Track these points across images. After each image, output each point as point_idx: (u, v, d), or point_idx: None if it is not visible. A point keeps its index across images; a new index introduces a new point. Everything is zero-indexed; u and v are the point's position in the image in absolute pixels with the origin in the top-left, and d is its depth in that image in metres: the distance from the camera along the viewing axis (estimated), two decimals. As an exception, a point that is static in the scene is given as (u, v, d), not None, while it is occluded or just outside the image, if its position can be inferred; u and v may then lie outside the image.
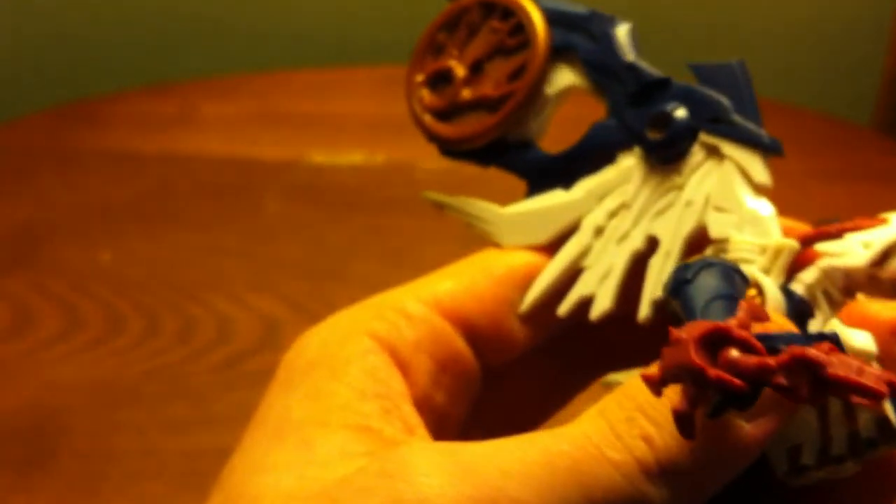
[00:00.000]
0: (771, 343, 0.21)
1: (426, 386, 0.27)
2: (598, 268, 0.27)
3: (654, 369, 0.22)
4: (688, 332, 0.21)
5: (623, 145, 0.27)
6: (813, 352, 0.21)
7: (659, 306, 0.26)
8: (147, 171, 0.75)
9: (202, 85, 0.84)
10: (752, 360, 0.21)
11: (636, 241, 0.27)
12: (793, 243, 0.26)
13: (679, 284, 0.23)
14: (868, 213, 0.29)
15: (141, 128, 0.79)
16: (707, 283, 0.23)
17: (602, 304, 0.27)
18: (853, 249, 0.26)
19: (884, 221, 0.26)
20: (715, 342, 0.21)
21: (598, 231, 0.27)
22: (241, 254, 0.67)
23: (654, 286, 0.26)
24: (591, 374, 0.28)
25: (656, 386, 0.22)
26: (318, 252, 0.67)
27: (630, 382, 0.23)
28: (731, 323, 0.21)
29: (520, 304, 0.28)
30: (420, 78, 0.31)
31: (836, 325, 0.24)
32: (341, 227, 0.69)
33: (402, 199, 0.71)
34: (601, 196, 0.27)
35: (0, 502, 0.52)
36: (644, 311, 0.26)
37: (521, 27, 0.29)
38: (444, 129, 0.30)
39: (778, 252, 0.26)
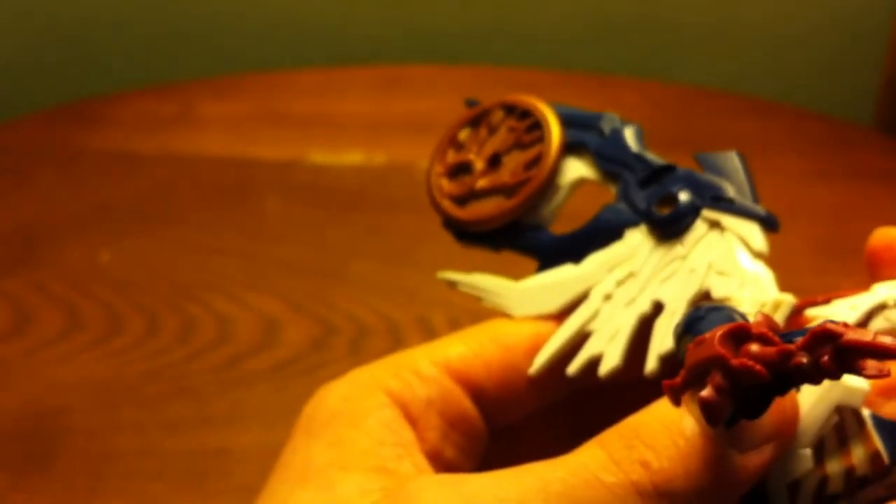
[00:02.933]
0: (787, 338, 0.23)
1: (435, 441, 0.29)
2: (607, 329, 0.29)
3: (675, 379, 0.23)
4: (711, 333, 0.23)
5: (631, 223, 0.30)
6: (830, 324, 0.22)
7: (665, 360, 0.28)
8: (147, 171, 0.75)
9: (202, 85, 0.84)
10: (772, 347, 0.22)
11: (643, 305, 0.29)
12: (790, 297, 0.28)
13: (692, 321, 0.25)
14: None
15: (141, 128, 0.79)
16: (718, 317, 0.25)
17: (611, 362, 0.28)
18: (841, 312, 0.27)
19: (867, 289, 0.28)
20: (737, 338, 0.23)
21: (607, 297, 0.29)
22: (241, 254, 0.67)
23: (660, 342, 0.28)
24: (598, 433, 0.29)
25: (677, 392, 0.23)
26: (318, 252, 0.67)
27: (633, 417, 0.25)
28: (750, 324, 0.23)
29: (528, 369, 0.30)
30: (440, 168, 0.33)
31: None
32: (341, 227, 0.69)
33: (402, 199, 0.71)
34: (610, 267, 0.29)
35: (0, 502, 0.52)
36: (651, 364, 0.28)
37: (537, 124, 0.31)
38: (461, 212, 0.32)
39: (777, 305, 0.27)
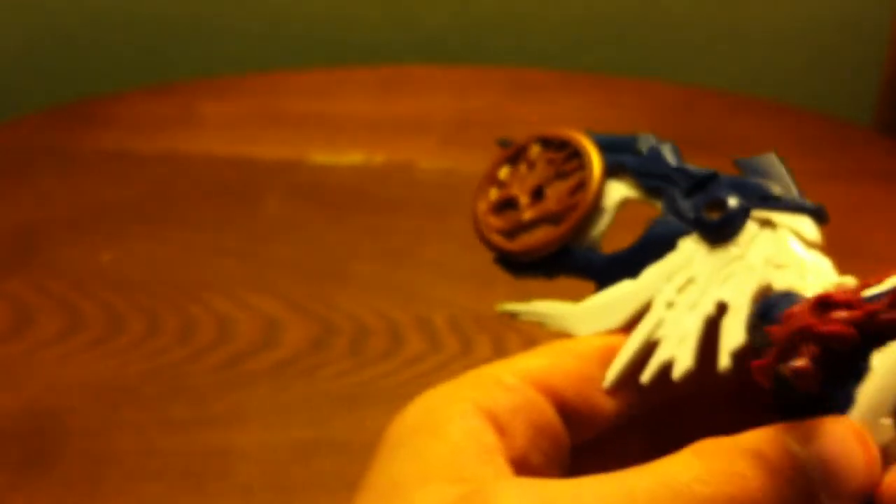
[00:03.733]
0: (871, 300, 0.24)
1: (523, 447, 0.28)
2: (674, 335, 0.29)
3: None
4: (798, 307, 0.24)
5: (682, 233, 0.30)
6: None
7: (737, 356, 0.28)
8: (147, 171, 0.75)
9: (202, 85, 0.84)
10: (858, 310, 0.23)
11: (707, 307, 0.29)
12: (852, 279, 0.28)
13: (766, 308, 0.27)
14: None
15: (141, 128, 0.79)
16: (791, 299, 0.26)
17: (683, 364, 0.29)
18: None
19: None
20: (822, 307, 0.24)
21: (670, 305, 0.30)
22: (241, 254, 0.67)
23: (729, 339, 0.28)
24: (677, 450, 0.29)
25: (769, 369, 0.24)
26: (318, 252, 0.67)
27: (739, 436, 0.25)
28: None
29: (603, 381, 0.30)
30: (485, 206, 0.33)
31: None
32: (341, 227, 0.69)
33: (402, 199, 0.71)
34: (668, 277, 0.30)
35: (0, 502, 0.52)
36: (724, 361, 0.28)
37: (575, 153, 0.32)
38: (511, 244, 0.32)
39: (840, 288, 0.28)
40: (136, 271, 0.66)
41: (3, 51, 1.05)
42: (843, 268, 0.30)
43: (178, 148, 0.76)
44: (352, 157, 0.75)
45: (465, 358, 0.59)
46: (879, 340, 0.24)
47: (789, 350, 0.23)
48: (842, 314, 0.23)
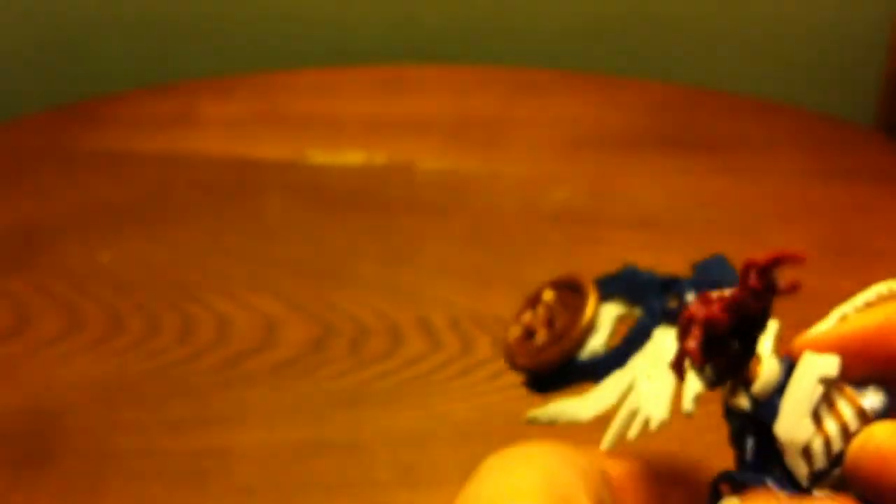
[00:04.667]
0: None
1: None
2: (651, 398, 0.35)
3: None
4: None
5: (655, 325, 0.37)
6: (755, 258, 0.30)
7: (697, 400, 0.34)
8: (147, 171, 0.75)
9: (202, 85, 0.84)
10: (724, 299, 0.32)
11: (671, 376, 0.35)
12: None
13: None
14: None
15: (141, 128, 0.79)
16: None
17: (658, 417, 0.34)
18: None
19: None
20: (706, 302, 0.32)
21: (648, 377, 0.36)
22: (241, 254, 0.67)
23: (689, 388, 0.34)
24: None
25: (678, 360, 0.32)
26: (318, 252, 0.67)
27: None
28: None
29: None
30: (512, 341, 0.39)
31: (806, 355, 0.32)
32: (341, 227, 0.69)
33: (402, 199, 0.71)
34: (646, 359, 0.36)
35: (0, 502, 0.52)
36: (687, 405, 0.33)
37: (578, 288, 0.39)
38: (531, 364, 0.38)
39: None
40: (136, 271, 0.66)
41: (3, 51, 1.05)
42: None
43: (178, 148, 0.77)
44: (352, 157, 0.75)
45: (465, 358, 0.59)
46: (750, 324, 0.31)
47: (684, 336, 0.31)
48: (714, 303, 0.31)
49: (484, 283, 0.64)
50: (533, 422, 0.38)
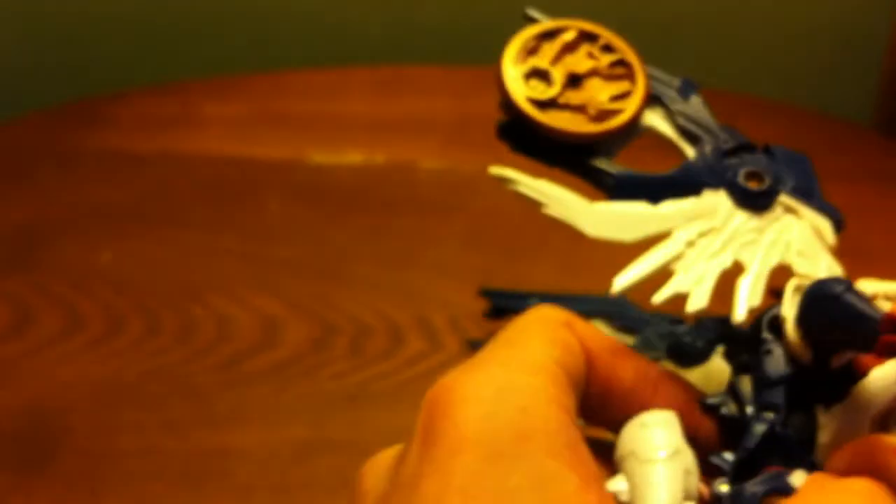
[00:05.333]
0: None
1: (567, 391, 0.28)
2: (692, 273, 0.30)
3: None
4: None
5: (710, 185, 0.31)
6: None
7: (751, 312, 0.30)
8: (147, 171, 0.75)
9: (202, 85, 0.84)
10: None
11: (726, 261, 0.31)
12: (871, 282, 0.30)
13: (828, 294, 0.28)
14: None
15: (141, 128, 0.79)
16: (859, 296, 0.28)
17: (698, 302, 0.30)
18: None
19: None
20: None
21: (690, 244, 0.31)
22: (241, 254, 0.67)
23: (749, 297, 0.30)
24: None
25: None
26: (318, 252, 0.67)
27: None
28: None
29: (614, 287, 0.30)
30: (518, 71, 0.33)
31: None
32: (341, 227, 0.69)
33: (402, 199, 0.71)
34: (689, 218, 0.31)
35: (0, 502, 0.52)
36: (740, 314, 0.30)
37: (621, 62, 0.33)
38: (541, 116, 0.32)
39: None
40: (136, 271, 0.66)
41: (3, 51, 1.05)
42: (780, 270, 0.31)
43: (178, 148, 0.76)
44: (352, 157, 0.75)
45: (465, 358, 0.59)
46: None
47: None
48: None
49: (484, 283, 0.64)
50: (504, 182, 0.32)
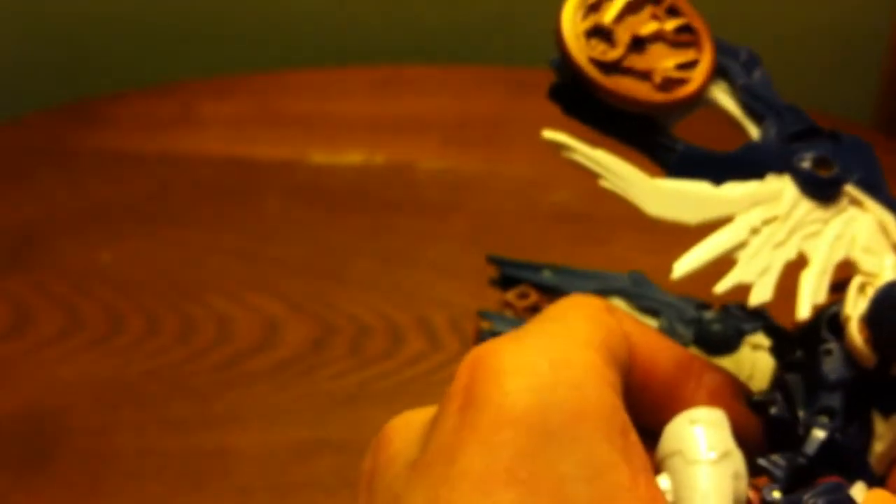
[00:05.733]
0: None
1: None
2: (756, 263, 0.29)
3: None
4: None
5: (774, 169, 0.30)
6: None
7: (815, 310, 0.29)
8: (147, 171, 0.75)
9: (202, 85, 0.84)
10: None
11: (791, 252, 0.29)
12: None
13: None
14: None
15: (141, 128, 0.79)
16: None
17: (762, 295, 0.29)
18: None
19: None
20: None
21: (754, 231, 0.29)
22: (241, 254, 0.67)
23: (813, 294, 0.29)
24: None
25: None
26: (318, 252, 0.67)
27: None
28: None
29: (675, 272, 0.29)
30: (579, 28, 0.30)
31: None
32: (341, 227, 0.69)
33: (402, 199, 0.71)
34: (753, 203, 0.29)
35: (0, 502, 0.52)
36: (805, 311, 0.28)
37: (687, 28, 0.30)
38: (606, 80, 0.29)
39: None
40: (136, 271, 0.66)
41: (3, 51, 1.05)
42: (842, 265, 0.30)
43: (177, 148, 0.76)
44: (352, 157, 0.75)
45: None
46: None
47: None
48: None
49: (484, 283, 0.64)
50: (559, 148, 0.30)
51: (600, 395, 0.24)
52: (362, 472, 0.26)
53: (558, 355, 0.24)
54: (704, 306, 0.34)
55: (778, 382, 0.29)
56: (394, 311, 0.62)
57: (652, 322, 0.34)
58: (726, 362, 0.33)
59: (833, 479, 0.26)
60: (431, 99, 0.81)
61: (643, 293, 0.34)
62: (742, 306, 0.33)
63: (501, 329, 0.32)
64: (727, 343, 0.33)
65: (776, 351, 0.31)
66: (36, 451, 0.55)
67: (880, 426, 0.28)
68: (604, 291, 0.34)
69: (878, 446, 0.28)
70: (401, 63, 0.87)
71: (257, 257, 0.67)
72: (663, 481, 0.25)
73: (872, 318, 0.27)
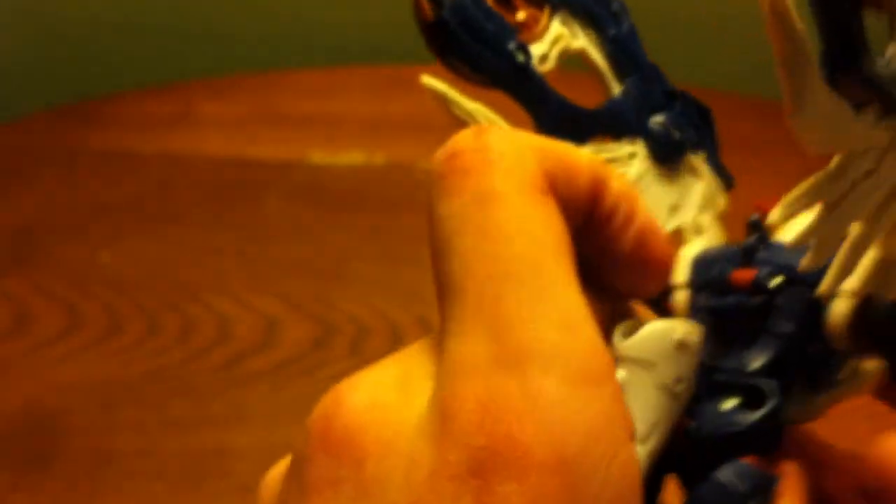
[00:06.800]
0: None
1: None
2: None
3: None
4: None
5: (630, 129, 0.29)
6: None
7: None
8: (147, 171, 0.75)
9: (202, 85, 0.84)
10: None
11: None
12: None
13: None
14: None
15: (141, 128, 0.79)
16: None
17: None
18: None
19: None
20: None
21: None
22: (241, 254, 0.67)
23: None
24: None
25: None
26: (318, 252, 0.67)
27: None
28: None
29: None
30: None
31: None
32: (341, 227, 0.69)
33: (402, 199, 0.71)
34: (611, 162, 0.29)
35: (0, 502, 0.52)
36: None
37: None
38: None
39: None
40: (136, 271, 0.66)
41: (3, 51, 1.05)
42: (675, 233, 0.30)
43: (177, 148, 0.77)
44: (352, 157, 0.75)
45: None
46: None
47: None
48: None
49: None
50: (436, 97, 0.29)
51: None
52: None
53: None
54: (672, 96, 0.31)
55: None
56: (394, 311, 0.63)
57: (611, 82, 0.30)
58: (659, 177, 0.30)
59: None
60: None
61: (634, 53, 0.31)
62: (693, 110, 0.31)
63: None
64: (673, 151, 0.30)
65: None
66: (36, 451, 0.55)
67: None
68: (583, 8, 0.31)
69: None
70: (401, 63, 0.87)
71: (257, 257, 0.67)
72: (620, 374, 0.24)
73: (868, 322, 0.26)
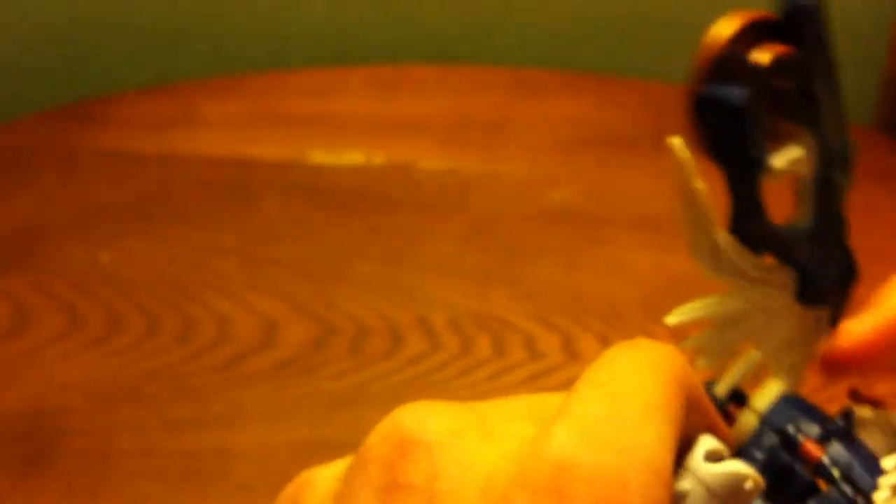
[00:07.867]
0: None
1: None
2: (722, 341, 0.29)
3: None
4: None
5: (793, 265, 0.30)
6: None
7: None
8: (147, 171, 0.75)
9: (202, 85, 0.84)
10: None
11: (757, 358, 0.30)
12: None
13: None
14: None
15: (141, 128, 0.79)
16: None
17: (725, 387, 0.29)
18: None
19: None
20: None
21: (752, 307, 0.30)
22: (241, 254, 0.67)
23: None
24: None
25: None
26: (318, 252, 0.67)
27: None
28: None
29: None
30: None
31: None
32: (341, 227, 0.69)
33: (402, 199, 0.71)
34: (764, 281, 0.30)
35: (0, 502, 0.52)
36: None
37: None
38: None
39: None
40: (136, 271, 0.66)
41: (3, 51, 1.05)
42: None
43: (177, 148, 0.76)
44: (352, 157, 0.75)
45: (465, 358, 0.59)
46: None
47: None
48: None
49: (484, 283, 0.64)
50: (677, 154, 0.28)
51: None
52: None
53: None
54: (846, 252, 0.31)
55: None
56: (394, 311, 0.63)
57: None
58: None
59: None
60: (431, 99, 0.81)
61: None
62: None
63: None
64: (819, 298, 0.30)
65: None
66: (36, 451, 0.55)
67: None
68: None
69: None
70: (401, 63, 0.87)
71: (257, 257, 0.67)
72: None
73: None
